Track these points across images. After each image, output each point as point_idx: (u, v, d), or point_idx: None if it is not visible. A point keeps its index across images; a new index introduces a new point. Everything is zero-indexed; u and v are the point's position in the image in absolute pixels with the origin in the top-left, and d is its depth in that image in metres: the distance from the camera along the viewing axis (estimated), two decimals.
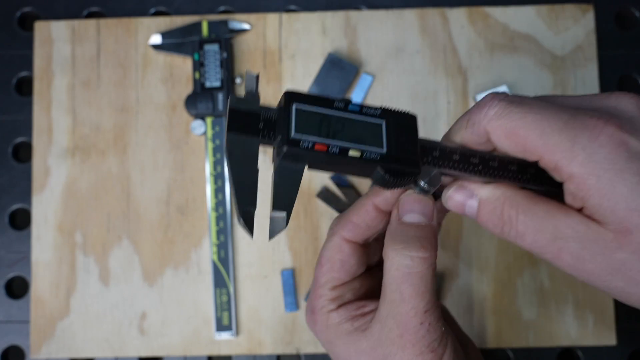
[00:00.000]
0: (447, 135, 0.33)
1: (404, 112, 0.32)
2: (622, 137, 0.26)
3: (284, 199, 0.29)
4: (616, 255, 0.26)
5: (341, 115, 0.30)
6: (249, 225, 0.29)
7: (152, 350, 0.54)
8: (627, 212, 0.25)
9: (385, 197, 0.34)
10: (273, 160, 0.30)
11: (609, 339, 0.54)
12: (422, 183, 0.31)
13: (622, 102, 0.28)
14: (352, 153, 0.29)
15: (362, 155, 0.29)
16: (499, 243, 0.55)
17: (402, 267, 0.31)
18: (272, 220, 0.29)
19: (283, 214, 0.29)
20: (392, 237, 0.32)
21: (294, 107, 0.29)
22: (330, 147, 0.29)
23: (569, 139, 0.26)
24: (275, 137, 0.30)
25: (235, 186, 0.29)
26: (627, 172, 0.25)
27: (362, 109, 0.31)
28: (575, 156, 0.26)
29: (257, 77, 0.31)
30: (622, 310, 0.54)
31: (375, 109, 0.31)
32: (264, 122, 0.30)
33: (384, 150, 0.30)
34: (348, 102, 0.31)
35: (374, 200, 0.34)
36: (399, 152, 0.30)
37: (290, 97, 0.30)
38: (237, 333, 0.54)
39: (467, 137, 0.31)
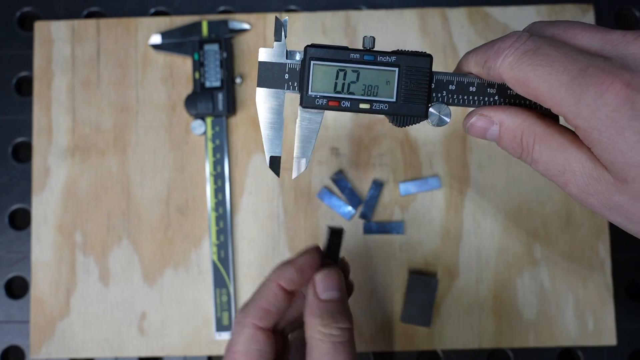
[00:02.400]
0: (461, 66, 0.34)
1: (419, 54, 0.33)
2: (629, 95, 0.26)
3: (305, 146, 0.35)
4: (614, 197, 0.28)
5: (357, 66, 0.33)
6: (275, 169, 0.35)
7: (152, 350, 0.54)
8: (625, 166, 0.27)
9: (291, 278, 0.35)
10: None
11: (609, 339, 0.54)
12: (431, 122, 0.33)
13: None
14: (362, 106, 0.33)
15: (371, 106, 0.33)
16: (499, 243, 0.55)
17: (334, 338, 0.34)
18: (295, 162, 0.35)
19: (304, 158, 0.35)
20: (318, 315, 0.34)
21: (312, 64, 0.33)
22: (342, 103, 0.33)
23: (575, 95, 0.27)
24: (298, 87, 0.34)
25: (264, 135, 0.34)
26: (629, 130, 0.26)
27: (376, 57, 0.33)
28: (580, 112, 0.27)
29: (285, 24, 0.34)
30: (622, 310, 0.54)
31: (390, 56, 0.33)
32: (289, 73, 0.34)
33: (394, 99, 0.33)
34: (364, 52, 0.33)
35: (280, 282, 0.35)
36: (408, 99, 0.33)
37: (311, 52, 0.33)
38: None
39: (484, 75, 0.32)
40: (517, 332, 0.54)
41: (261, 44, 0.56)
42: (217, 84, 0.54)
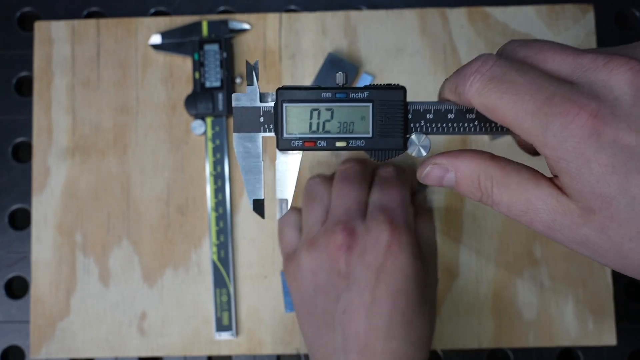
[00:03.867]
0: (441, 93, 0.34)
1: (392, 87, 0.33)
2: (595, 126, 0.26)
3: (285, 186, 0.35)
4: (581, 231, 0.28)
5: (330, 105, 0.33)
6: (259, 212, 0.36)
7: (152, 350, 0.54)
8: (592, 196, 0.26)
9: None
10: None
11: (609, 339, 0.54)
12: (412, 152, 0.34)
13: (615, 76, 0.27)
14: (338, 144, 0.33)
15: (347, 144, 0.33)
16: (499, 243, 0.55)
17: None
18: (277, 204, 0.35)
19: (286, 199, 0.35)
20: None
21: (284, 106, 0.33)
22: (318, 142, 0.33)
23: (541, 125, 0.27)
24: (273, 129, 0.34)
25: (245, 179, 0.35)
26: (595, 162, 0.26)
27: (349, 95, 0.33)
28: (547, 142, 0.27)
29: (256, 68, 0.34)
30: (622, 310, 0.54)
31: (363, 91, 0.33)
32: (264, 116, 0.34)
33: (370, 134, 0.33)
34: (336, 90, 0.33)
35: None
36: (385, 133, 0.33)
37: (282, 95, 0.33)
38: (237, 333, 0.54)
39: (458, 101, 0.32)
40: (517, 332, 0.54)
41: (261, 44, 0.57)
42: (217, 84, 0.54)
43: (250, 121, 0.34)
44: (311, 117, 0.33)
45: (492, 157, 0.31)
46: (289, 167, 0.35)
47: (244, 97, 0.34)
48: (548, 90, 0.27)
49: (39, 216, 0.55)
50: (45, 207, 0.55)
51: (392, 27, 0.57)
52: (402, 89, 0.33)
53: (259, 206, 0.35)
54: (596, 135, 0.26)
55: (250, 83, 0.34)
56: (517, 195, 0.30)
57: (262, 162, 0.35)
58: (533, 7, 0.56)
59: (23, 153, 0.58)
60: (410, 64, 0.56)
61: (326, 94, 0.33)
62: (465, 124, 0.33)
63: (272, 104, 0.34)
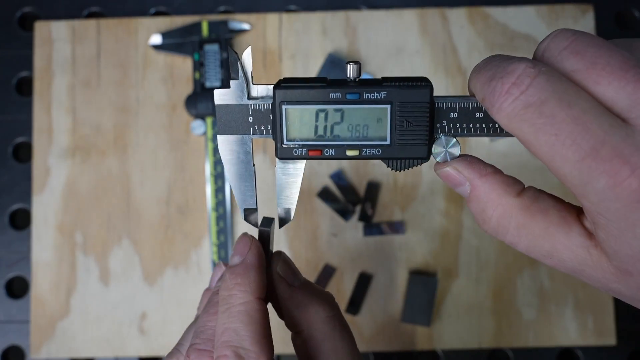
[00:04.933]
0: (468, 87, 0.28)
1: (415, 85, 0.28)
2: None
3: (287, 195, 0.31)
4: (612, 285, 0.25)
5: (339, 106, 0.28)
6: (252, 222, 0.31)
7: (152, 350, 0.54)
8: (631, 259, 0.23)
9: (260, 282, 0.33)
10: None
11: (609, 339, 0.54)
12: (437, 158, 0.28)
13: None
14: (349, 153, 0.28)
15: (360, 153, 0.28)
16: (499, 243, 0.55)
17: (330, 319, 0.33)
18: (279, 215, 0.31)
19: (288, 209, 0.31)
20: (308, 298, 0.33)
21: (284, 109, 0.28)
22: (325, 151, 0.28)
23: (582, 178, 0.23)
24: (268, 131, 0.29)
25: (234, 187, 0.30)
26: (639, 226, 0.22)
27: (362, 95, 0.27)
28: (587, 195, 0.23)
29: (239, 59, 0.29)
30: (622, 310, 0.54)
31: (379, 91, 0.27)
32: (254, 115, 0.29)
33: (388, 141, 0.28)
34: (347, 89, 0.28)
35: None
36: (405, 140, 0.28)
37: (281, 95, 0.28)
38: None
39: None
40: (517, 332, 0.54)
41: (261, 44, 0.57)
42: (217, 84, 0.54)
43: (236, 121, 0.29)
44: (317, 119, 0.28)
45: (520, 193, 0.27)
46: (292, 173, 0.30)
47: (228, 94, 0.28)
48: (596, 135, 0.22)
49: (39, 216, 0.55)
50: (45, 207, 0.55)
51: (392, 27, 0.57)
52: (428, 86, 0.28)
53: (251, 217, 0.31)
54: None
55: (235, 76, 0.28)
56: (541, 241, 0.26)
57: (254, 167, 0.30)
58: (533, 7, 0.56)
59: (23, 153, 0.58)
60: (410, 64, 0.56)
61: (335, 94, 0.27)
62: (497, 125, 0.28)
63: (263, 100, 0.29)
